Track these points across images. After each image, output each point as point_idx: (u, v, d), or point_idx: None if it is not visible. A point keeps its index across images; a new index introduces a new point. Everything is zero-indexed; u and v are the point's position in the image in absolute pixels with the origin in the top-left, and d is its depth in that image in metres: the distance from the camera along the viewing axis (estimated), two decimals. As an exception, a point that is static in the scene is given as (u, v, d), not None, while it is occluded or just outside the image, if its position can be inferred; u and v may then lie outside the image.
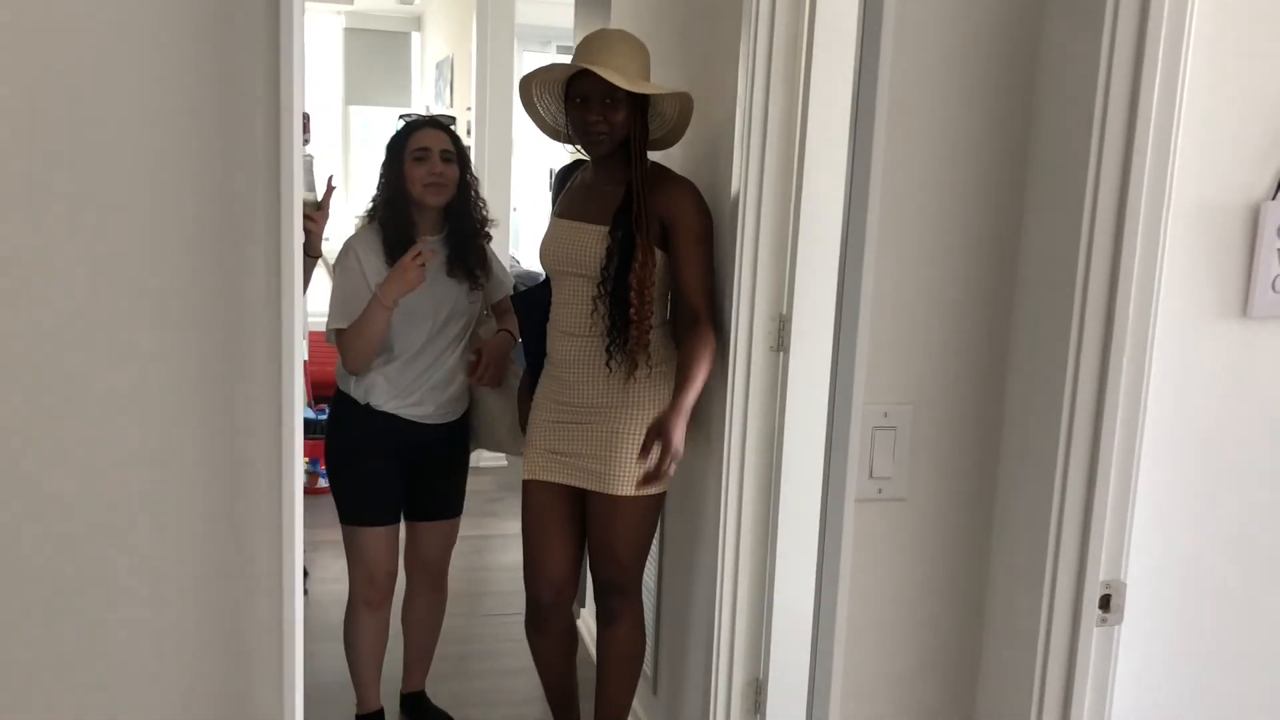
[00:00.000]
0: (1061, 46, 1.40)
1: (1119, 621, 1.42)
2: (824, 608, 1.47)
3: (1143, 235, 1.34)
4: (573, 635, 2.76)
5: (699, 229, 2.43)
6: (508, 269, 3.11)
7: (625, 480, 2.48)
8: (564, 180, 2.70)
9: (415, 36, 8.20)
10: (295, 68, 1.31)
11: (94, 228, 1.48)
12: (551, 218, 2.60)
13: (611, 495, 2.48)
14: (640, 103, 2.41)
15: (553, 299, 2.56)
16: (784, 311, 2.36)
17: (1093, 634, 1.39)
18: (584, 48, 2.42)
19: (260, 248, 1.44)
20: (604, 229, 2.43)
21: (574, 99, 2.41)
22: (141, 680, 1.58)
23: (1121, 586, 1.41)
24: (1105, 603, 1.41)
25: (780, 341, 2.37)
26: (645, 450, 2.30)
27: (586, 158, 2.58)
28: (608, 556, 2.58)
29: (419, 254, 2.64)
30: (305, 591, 2.71)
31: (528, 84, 2.49)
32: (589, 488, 2.51)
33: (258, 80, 1.40)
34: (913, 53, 1.42)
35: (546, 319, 2.60)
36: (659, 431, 2.30)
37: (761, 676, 2.47)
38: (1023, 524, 1.45)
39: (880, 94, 1.36)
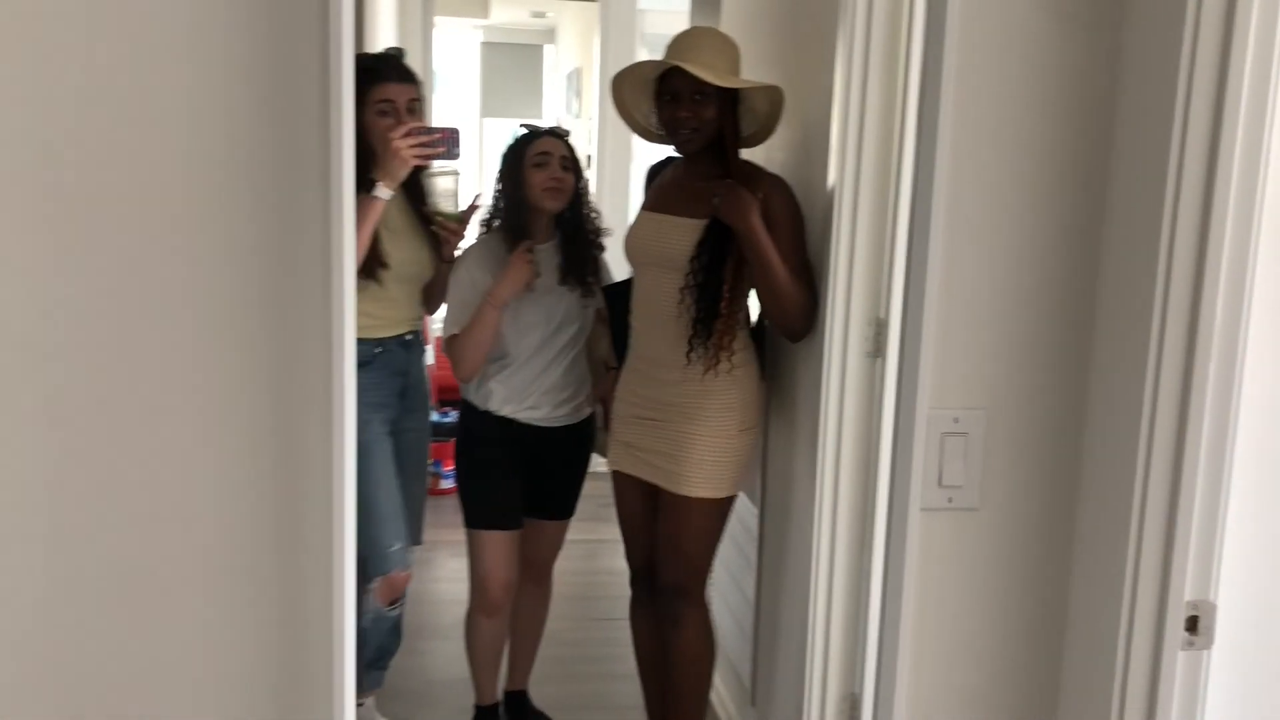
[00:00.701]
0: (1144, 29, 1.32)
1: (1208, 645, 1.32)
2: (887, 622, 1.41)
3: (1231, 232, 1.24)
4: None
5: (792, 224, 2.41)
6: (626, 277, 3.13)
7: (695, 481, 2.47)
8: (654, 177, 2.72)
9: (548, 49, 8.34)
10: (345, 68, 1.34)
11: (154, 223, 1.54)
12: (639, 211, 2.61)
13: (680, 495, 2.48)
14: (731, 98, 2.40)
15: (636, 292, 2.57)
16: (882, 315, 2.29)
17: (1177, 657, 1.30)
18: (674, 46, 2.42)
19: (315, 241, 1.47)
20: (694, 222, 2.42)
21: (664, 96, 2.43)
22: (193, 673, 1.63)
23: (1210, 607, 1.31)
24: (1193, 624, 1.31)
25: (878, 347, 2.30)
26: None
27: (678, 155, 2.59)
28: (673, 556, 2.57)
29: (529, 249, 2.68)
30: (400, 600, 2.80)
31: (619, 83, 2.51)
32: (659, 484, 2.51)
33: (312, 80, 1.44)
34: (982, 33, 1.36)
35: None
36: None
37: (857, 691, 2.40)
38: (1102, 537, 1.36)
39: (946, 81, 1.30)
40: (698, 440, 2.46)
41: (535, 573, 3.09)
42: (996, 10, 1.38)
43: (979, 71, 1.38)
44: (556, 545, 3.09)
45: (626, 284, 2.71)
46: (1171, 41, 1.26)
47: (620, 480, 2.67)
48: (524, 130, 2.88)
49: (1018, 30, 1.39)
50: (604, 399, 2.91)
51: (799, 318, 2.40)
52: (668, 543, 2.57)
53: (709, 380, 2.45)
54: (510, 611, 3.02)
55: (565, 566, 3.17)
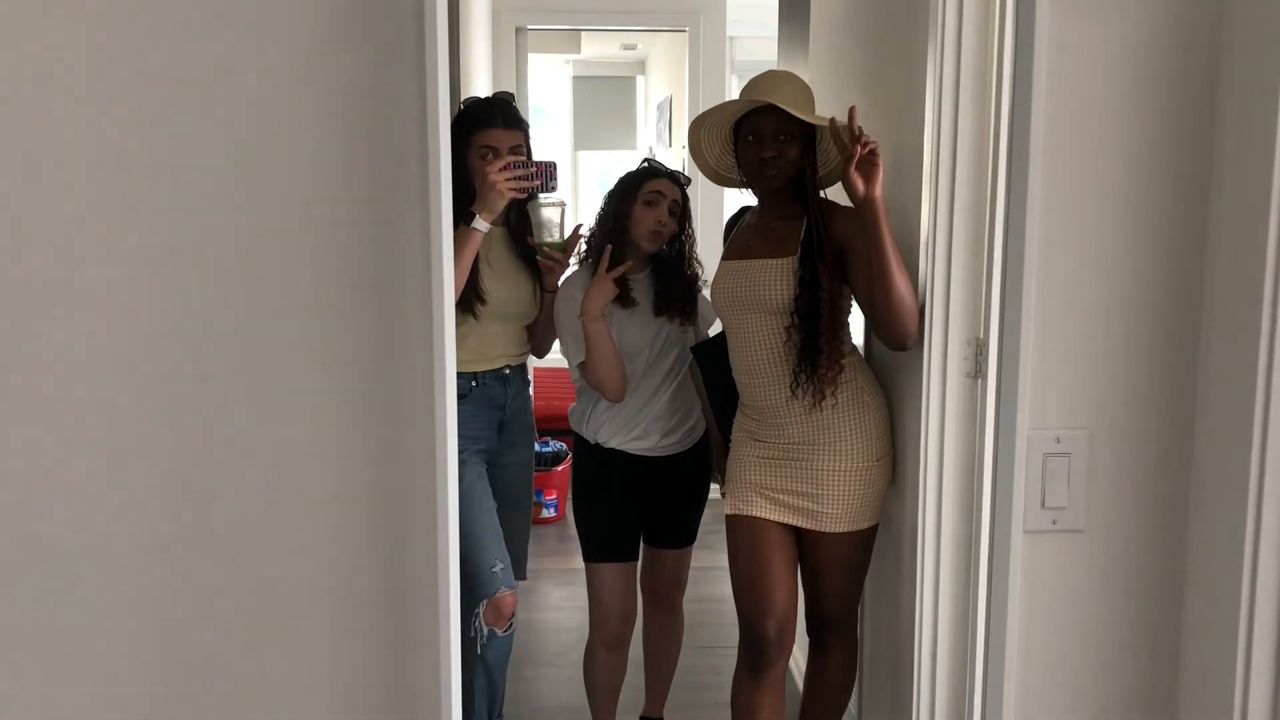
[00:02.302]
0: (1244, 36, 1.29)
1: (1335, 671, 1.27)
2: (992, 647, 1.38)
3: (1344, 238, 1.20)
4: (783, 695, 2.60)
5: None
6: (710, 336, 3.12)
7: (838, 517, 2.43)
8: (733, 227, 2.72)
9: (639, 80, 8.43)
10: (441, 98, 1.38)
11: (266, 267, 1.61)
12: (721, 262, 2.59)
13: (825, 533, 2.45)
14: (810, 139, 2.41)
15: (732, 344, 2.54)
16: (981, 335, 2.25)
17: (1301, 684, 1.25)
18: (753, 87, 2.44)
19: (416, 280, 1.51)
20: (787, 261, 2.40)
21: (745, 137, 2.43)
22: (306, 694, 1.68)
23: (1336, 631, 1.26)
24: (1317, 649, 1.26)
25: (978, 367, 2.26)
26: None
27: (753, 200, 2.59)
28: (823, 594, 2.55)
29: (611, 260, 2.69)
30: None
31: (698, 126, 2.51)
32: (802, 526, 2.47)
33: (411, 124, 1.49)
34: (1077, 48, 1.34)
35: (726, 371, 2.59)
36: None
37: (966, 718, 2.35)
38: (1216, 557, 1.32)
39: (1036, 98, 1.29)
40: (837, 476, 2.42)
41: (662, 601, 3.09)
42: (1087, 29, 1.36)
43: (1071, 89, 1.36)
44: (680, 574, 3.07)
45: (714, 343, 2.69)
46: (1272, 49, 1.22)
47: (750, 525, 2.51)
48: (645, 164, 2.90)
49: (1109, 47, 1.37)
50: (720, 470, 2.85)
51: (912, 318, 2.29)
52: (818, 582, 2.53)
53: (836, 414, 2.42)
54: (631, 642, 3.02)
55: (671, 594, 3.16)
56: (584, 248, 2.87)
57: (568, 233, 2.74)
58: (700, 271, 2.91)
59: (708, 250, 2.93)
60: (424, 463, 1.52)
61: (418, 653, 1.60)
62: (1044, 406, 1.39)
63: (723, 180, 2.63)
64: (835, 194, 2.54)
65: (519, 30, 5.59)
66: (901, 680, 2.50)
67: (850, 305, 2.49)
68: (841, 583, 2.52)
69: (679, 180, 2.86)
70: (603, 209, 2.86)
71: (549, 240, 2.71)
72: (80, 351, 1.59)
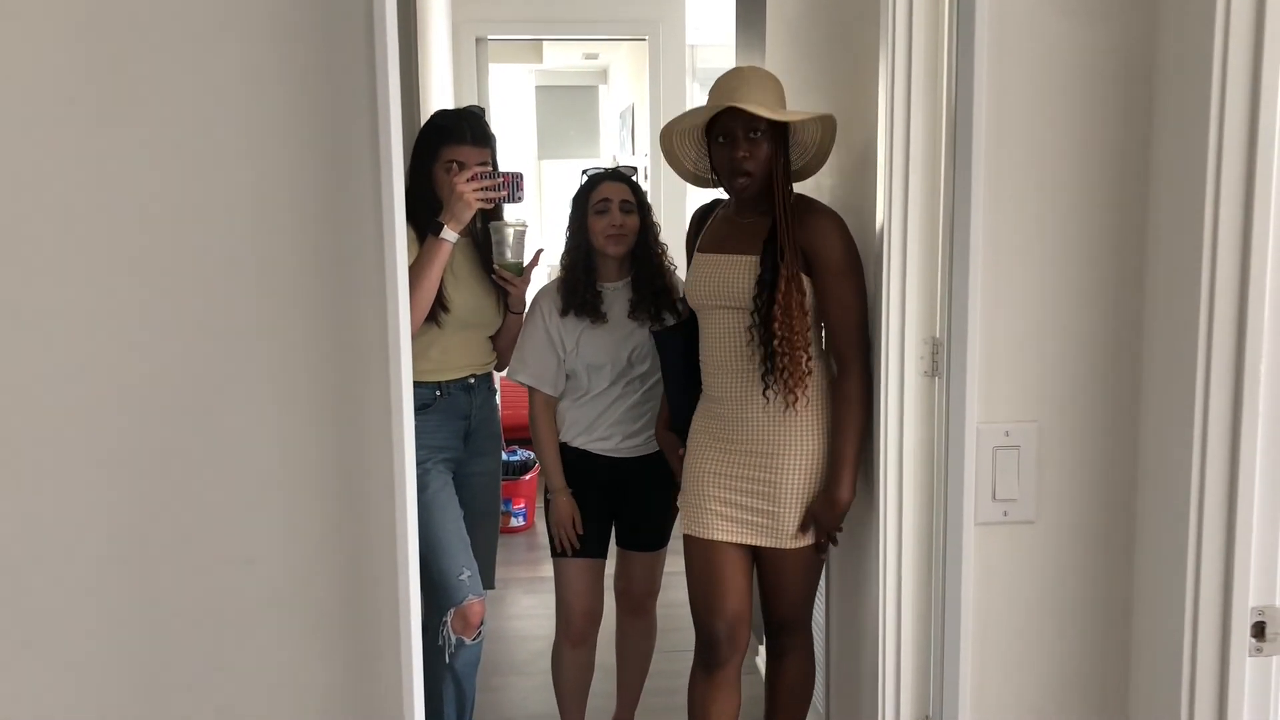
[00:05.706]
0: (1179, 39, 1.33)
1: (1278, 651, 1.30)
2: (948, 638, 1.41)
3: (1276, 235, 1.24)
4: (738, 693, 2.62)
5: (842, 263, 2.37)
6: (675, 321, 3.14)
7: (792, 533, 2.45)
8: (702, 220, 2.69)
9: (602, 89, 8.46)
10: (393, 108, 1.39)
11: (225, 281, 1.61)
12: (695, 254, 2.58)
13: (781, 549, 2.47)
14: (782, 135, 2.40)
15: (704, 337, 2.54)
16: (937, 334, 2.28)
17: (1245, 665, 1.28)
18: (721, 88, 2.42)
19: (374, 292, 1.52)
20: (752, 259, 2.41)
21: (716, 139, 2.41)
22: (264, 712, 1.68)
23: (1278, 613, 1.29)
24: (1260, 631, 1.29)
25: (935, 366, 2.29)
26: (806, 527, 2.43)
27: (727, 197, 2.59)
28: (779, 601, 2.56)
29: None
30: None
31: (668, 133, 2.50)
32: (761, 544, 2.48)
33: (365, 144, 1.50)
34: (1017, 49, 1.37)
35: (687, 358, 2.60)
36: (815, 517, 2.42)
37: (931, 713, 2.37)
38: (1162, 545, 1.35)
39: (979, 86, 1.31)
40: (790, 486, 2.43)
41: (634, 605, 3.11)
42: (1028, 30, 1.40)
43: (1015, 91, 1.39)
44: (652, 578, 3.09)
45: (678, 329, 2.71)
46: (1202, 53, 1.26)
47: (708, 546, 2.51)
48: (585, 174, 2.93)
49: (1051, 50, 1.40)
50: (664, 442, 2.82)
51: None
52: (774, 591, 2.55)
53: (792, 420, 2.43)
54: (602, 647, 3.04)
55: (638, 597, 3.16)
56: (561, 257, 2.90)
57: (526, 254, 2.75)
58: (669, 261, 2.94)
59: (672, 240, 2.98)
60: (384, 472, 1.53)
61: (380, 663, 1.61)
62: (993, 400, 1.42)
63: (702, 182, 2.60)
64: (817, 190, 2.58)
65: (479, 41, 5.60)
66: (866, 675, 2.52)
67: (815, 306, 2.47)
68: (797, 591, 2.55)
69: (623, 176, 2.89)
70: (566, 230, 2.90)
71: (507, 261, 2.72)
72: (37, 368, 1.59)
